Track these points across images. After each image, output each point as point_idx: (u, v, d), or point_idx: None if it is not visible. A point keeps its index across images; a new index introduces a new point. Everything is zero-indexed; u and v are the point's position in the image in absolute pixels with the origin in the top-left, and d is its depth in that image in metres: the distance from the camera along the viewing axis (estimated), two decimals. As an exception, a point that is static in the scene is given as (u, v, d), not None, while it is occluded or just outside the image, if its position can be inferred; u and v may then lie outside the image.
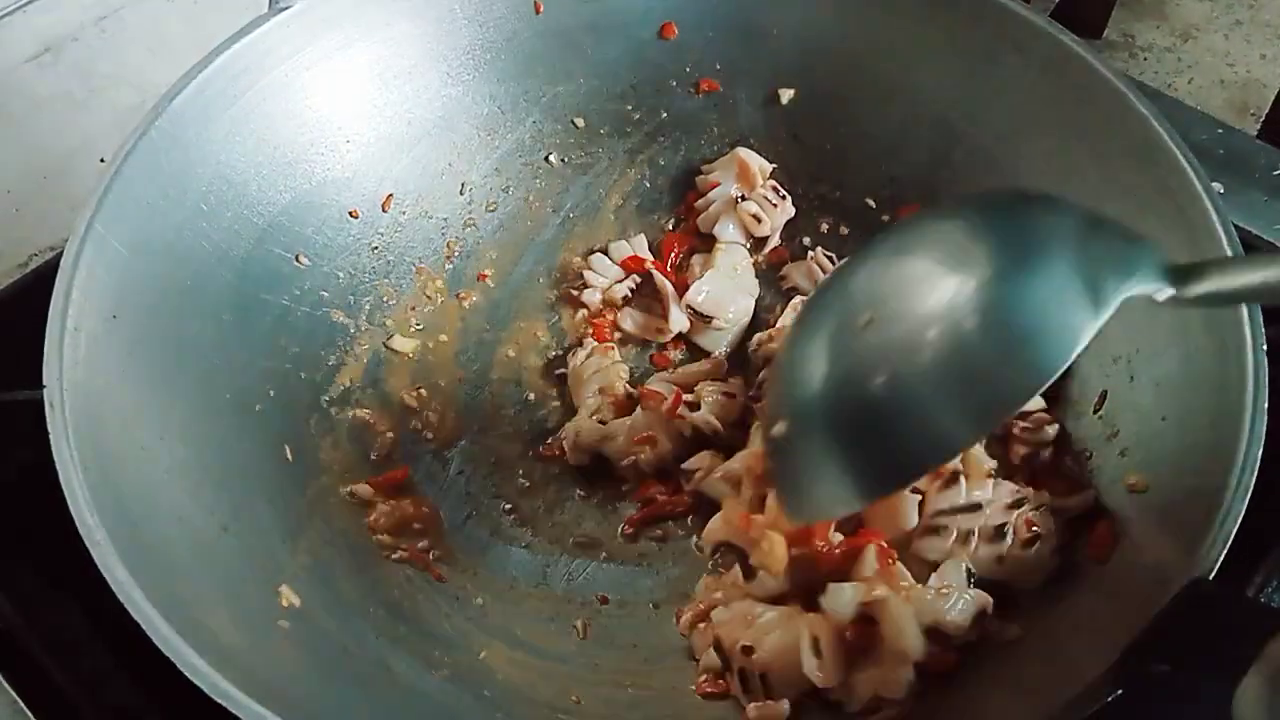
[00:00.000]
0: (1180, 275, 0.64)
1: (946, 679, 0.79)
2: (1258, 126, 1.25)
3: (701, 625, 0.88)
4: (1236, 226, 0.83)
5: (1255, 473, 0.73)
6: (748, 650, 0.82)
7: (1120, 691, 0.66)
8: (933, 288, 0.64)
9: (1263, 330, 0.79)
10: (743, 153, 1.11)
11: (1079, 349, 0.61)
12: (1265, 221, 1.07)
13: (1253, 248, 0.85)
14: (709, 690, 0.86)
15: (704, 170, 1.13)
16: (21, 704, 0.81)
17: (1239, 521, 0.72)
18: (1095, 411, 0.89)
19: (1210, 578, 0.70)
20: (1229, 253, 0.82)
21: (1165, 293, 0.64)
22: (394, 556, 0.92)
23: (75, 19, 1.22)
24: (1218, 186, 0.89)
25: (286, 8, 0.96)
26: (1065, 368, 0.61)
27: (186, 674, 0.67)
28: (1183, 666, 0.63)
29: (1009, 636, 0.79)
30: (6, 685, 0.81)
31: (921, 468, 0.71)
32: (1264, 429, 0.75)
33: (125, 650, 0.72)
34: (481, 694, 0.84)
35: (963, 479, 0.85)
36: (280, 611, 0.81)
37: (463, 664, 0.86)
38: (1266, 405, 0.76)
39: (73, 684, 0.84)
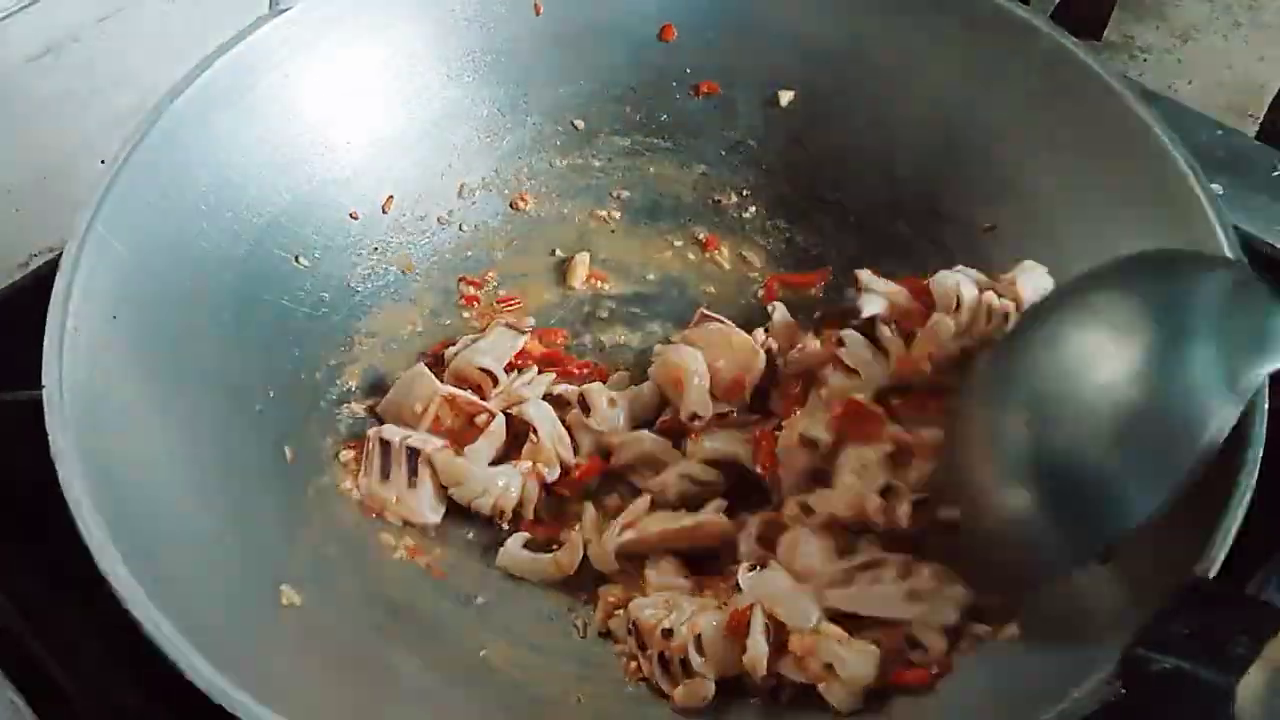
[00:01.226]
0: None
1: (949, 677, 0.79)
2: (1257, 128, 1.25)
3: (619, 612, 0.88)
4: (1236, 227, 0.84)
5: (1256, 473, 0.74)
6: (667, 634, 0.82)
7: (1121, 690, 0.66)
8: (1097, 384, 0.70)
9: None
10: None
11: (1220, 438, 0.67)
12: (1265, 222, 1.07)
13: (1253, 249, 0.85)
14: (638, 678, 0.86)
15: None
16: (22, 704, 0.80)
17: (1240, 520, 0.72)
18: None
19: (1211, 577, 0.70)
20: (1227, 252, 0.82)
21: None
22: (395, 555, 0.92)
23: (76, 19, 1.22)
24: (1217, 187, 0.89)
25: (287, 9, 0.96)
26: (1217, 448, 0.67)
27: (187, 674, 0.67)
28: (1184, 665, 0.63)
29: (1007, 635, 0.79)
30: (7, 685, 0.81)
31: (1116, 535, 0.73)
32: (1264, 430, 0.75)
33: (125, 650, 0.71)
34: (483, 692, 0.84)
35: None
36: (281, 611, 0.81)
37: (464, 662, 0.86)
38: (1267, 406, 0.76)
39: (73, 684, 0.84)
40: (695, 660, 0.82)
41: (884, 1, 1.05)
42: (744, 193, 1.14)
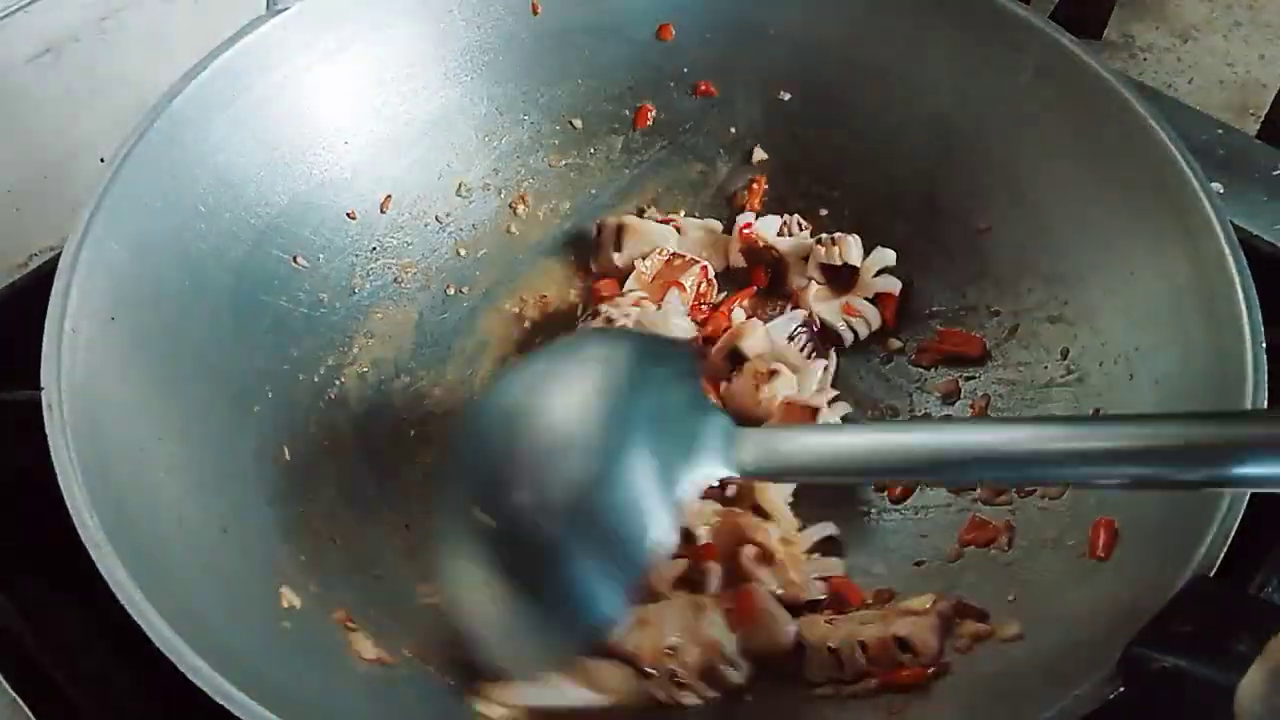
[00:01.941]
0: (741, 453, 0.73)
1: (948, 677, 0.79)
2: (1258, 126, 1.25)
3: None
4: (1236, 226, 0.84)
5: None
6: (670, 653, 0.83)
7: (1122, 689, 0.66)
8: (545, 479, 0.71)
9: (1262, 330, 0.79)
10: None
11: (665, 533, 0.70)
12: (1265, 221, 1.07)
13: (1253, 248, 0.85)
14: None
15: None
16: (22, 704, 0.80)
17: (1239, 518, 0.72)
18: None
19: (1211, 575, 0.70)
20: (1227, 252, 0.82)
21: (728, 474, 0.73)
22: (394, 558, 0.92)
23: (75, 19, 1.22)
24: (1217, 186, 0.89)
25: (285, 9, 0.96)
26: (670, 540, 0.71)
27: (188, 675, 0.67)
28: (1184, 663, 0.63)
29: (1008, 634, 0.79)
30: (7, 685, 0.81)
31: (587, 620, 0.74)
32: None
33: (125, 650, 0.71)
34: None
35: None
36: (281, 612, 0.81)
37: (464, 665, 0.85)
38: (1266, 405, 0.76)
39: (73, 684, 0.83)
40: (733, 674, 0.83)
41: (882, 1, 1.05)
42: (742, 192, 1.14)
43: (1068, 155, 0.96)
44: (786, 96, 1.12)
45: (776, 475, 0.80)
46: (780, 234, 1.10)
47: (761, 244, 1.09)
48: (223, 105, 0.94)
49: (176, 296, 0.89)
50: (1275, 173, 1.13)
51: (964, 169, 1.04)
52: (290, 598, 0.82)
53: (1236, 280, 0.81)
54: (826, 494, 0.95)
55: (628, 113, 1.14)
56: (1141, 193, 0.89)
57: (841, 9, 1.07)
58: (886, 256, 1.06)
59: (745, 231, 1.09)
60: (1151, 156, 0.89)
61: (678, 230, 1.11)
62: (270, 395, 0.94)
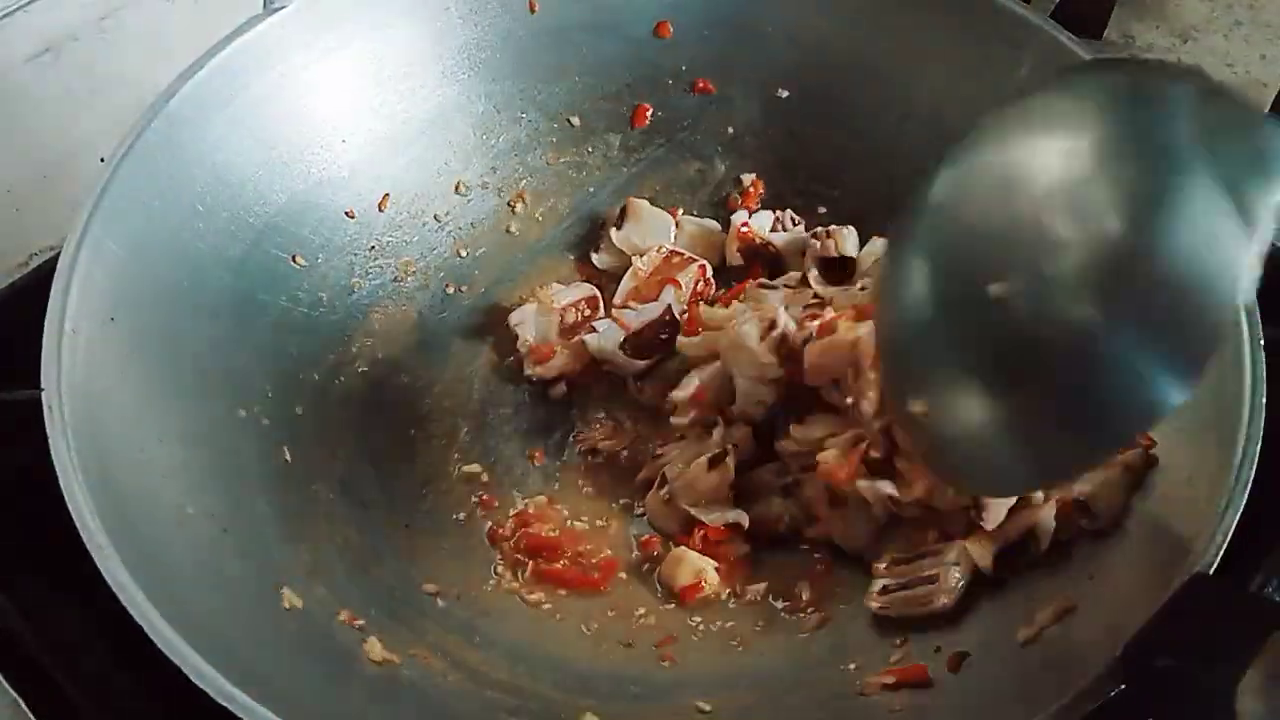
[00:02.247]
0: None
1: (951, 677, 0.80)
2: None
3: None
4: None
5: (1254, 469, 0.74)
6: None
7: (1123, 687, 0.66)
8: (1074, 232, 0.56)
9: (1260, 327, 0.79)
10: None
11: (1248, 287, 0.54)
12: (1265, 221, 1.07)
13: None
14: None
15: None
16: (22, 704, 0.80)
17: (1239, 516, 0.72)
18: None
19: (1211, 573, 0.70)
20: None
21: None
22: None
23: (75, 19, 1.22)
24: None
25: (282, 8, 0.96)
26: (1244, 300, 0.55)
27: (190, 676, 0.67)
28: (1185, 661, 0.63)
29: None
30: (7, 686, 0.81)
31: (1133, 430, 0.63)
32: (1262, 425, 0.75)
33: (125, 650, 0.71)
34: (484, 694, 0.84)
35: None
36: (283, 613, 0.81)
37: (466, 664, 0.86)
38: (1264, 402, 0.77)
39: (73, 684, 0.83)
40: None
41: (882, 1, 1.05)
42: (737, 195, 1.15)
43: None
44: (785, 94, 1.12)
45: None
46: (774, 230, 1.10)
47: (759, 240, 1.09)
48: (220, 104, 0.94)
49: (176, 296, 0.89)
50: None
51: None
52: (292, 598, 0.82)
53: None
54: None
55: (626, 110, 1.14)
56: None
57: (840, 7, 1.07)
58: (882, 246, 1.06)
59: (743, 230, 1.09)
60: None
61: (676, 222, 1.11)
62: (270, 395, 0.94)
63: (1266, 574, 0.85)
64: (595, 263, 1.12)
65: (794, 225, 1.11)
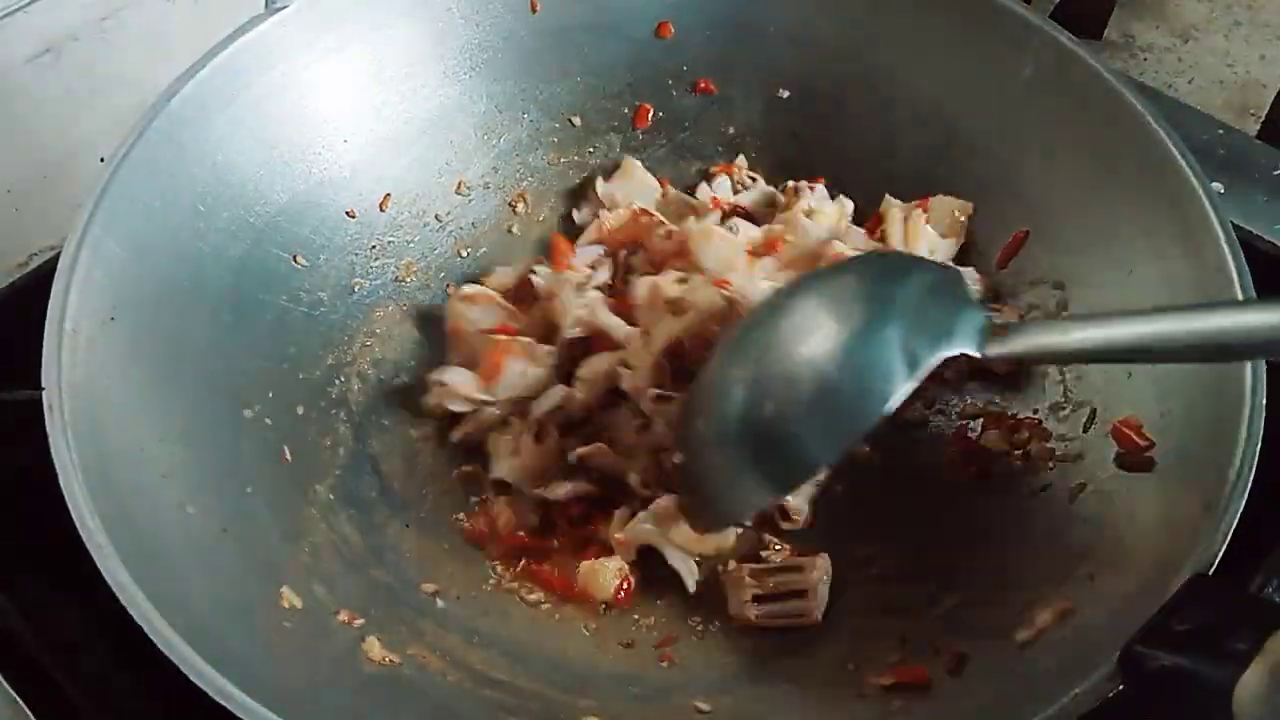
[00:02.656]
0: (992, 339, 0.77)
1: (950, 679, 0.80)
2: (1258, 127, 1.25)
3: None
4: (1236, 226, 0.84)
5: (1254, 469, 0.74)
6: None
7: (1121, 687, 0.66)
8: (804, 344, 0.79)
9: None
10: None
11: (893, 404, 0.74)
12: (1265, 221, 1.07)
13: (1253, 248, 0.85)
14: None
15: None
16: (22, 704, 0.80)
17: (1239, 516, 0.72)
18: (1085, 430, 0.90)
19: (1211, 573, 0.70)
20: (1227, 252, 0.82)
21: (976, 353, 0.76)
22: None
23: (75, 19, 1.22)
24: (1218, 186, 0.89)
25: (283, 7, 0.96)
26: (888, 412, 0.74)
27: (190, 676, 0.67)
28: (1184, 661, 0.63)
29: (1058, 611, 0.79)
30: (7, 685, 0.81)
31: (803, 476, 0.86)
32: (1262, 425, 0.76)
33: (125, 650, 0.71)
34: (484, 694, 0.84)
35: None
36: (282, 612, 0.81)
37: (466, 664, 0.86)
38: (1264, 402, 0.77)
39: (73, 684, 0.84)
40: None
41: (882, 1, 1.05)
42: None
43: (1068, 155, 0.96)
44: (786, 94, 1.12)
45: (1020, 358, 0.83)
46: (736, 193, 1.11)
47: (729, 206, 1.09)
48: (221, 104, 0.94)
49: (176, 296, 0.89)
50: (1275, 173, 1.13)
51: (962, 167, 1.04)
52: (291, 598, 0.82)
53: (1235, 279, 0.81)
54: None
55: (627, 111, 1.14)
56: (1141, 192, 0.90)
57: (842, 8, 1.07)
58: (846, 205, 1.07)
59: (715, 199, 1.09)
60: (1151, 156, 0.89)
61: (664, 192, 1.12)
62: (270, 395, 0.94)
63: (1267, 574, 0.86)
64: (574, 218, 1.13)
65: (752, 183, 1.11)
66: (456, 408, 0.99)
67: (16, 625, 0.86)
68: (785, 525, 0.95)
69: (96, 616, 0.76)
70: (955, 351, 0.75)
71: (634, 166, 1.12)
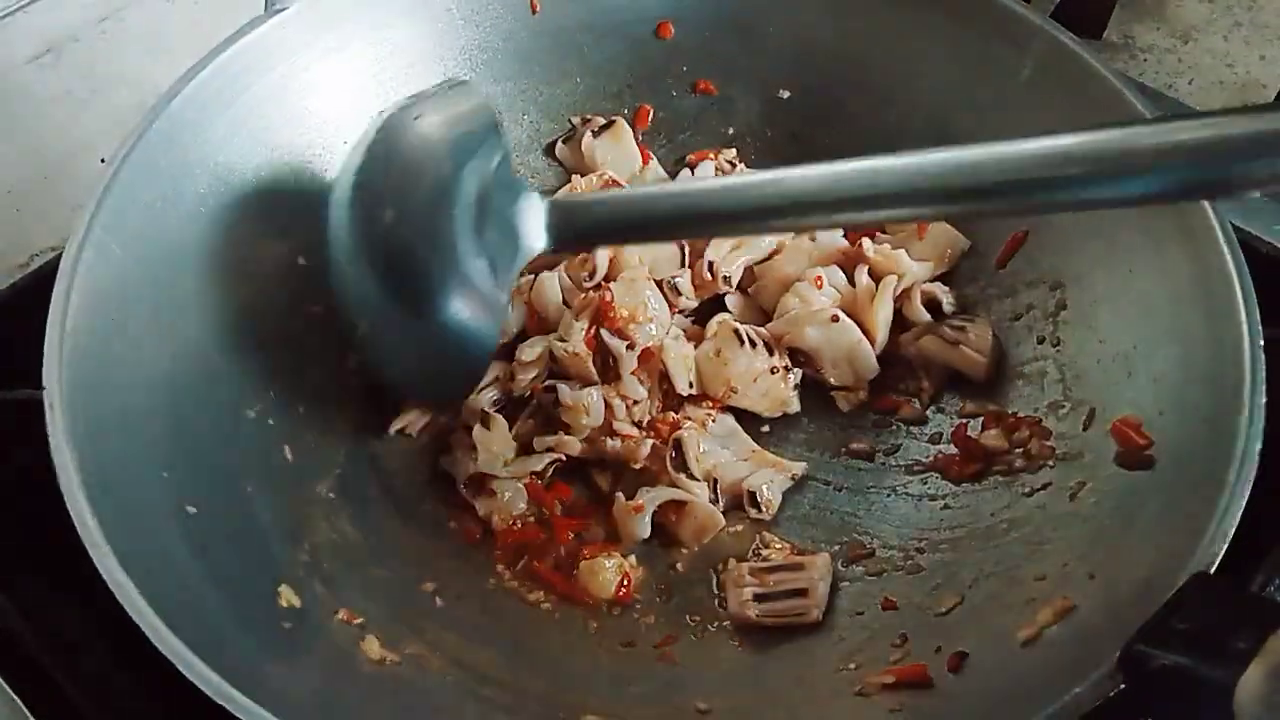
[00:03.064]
0: (555, 230, 0.81)
1: (951, 678, 0.80)
2: None
3: None
4: (1236, 227, 0.84)
5: (1254, 468, 0.74)
6: None
7: (1122, 686, 0.66)
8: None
9: (1260, 327, 0.79)
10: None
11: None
12: (1265, 221, 1.06)
13: (1253, 248, 0.85)
14: None
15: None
16: (21, 704, 0.80)
17: (1239, 516, 0.72)
18: (1084, 429, 0.90)
19: (1212, 572, 0.70)
20: (1226, 251, 0.82)
21: (544, 249, 0.81)
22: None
23: (75, 19, 1.22)
24: None
25: (284, 9, 0.96)
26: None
27: (187, 676, 0.67)
28: (1184, 661, 0.63)
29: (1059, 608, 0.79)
30: (6, 685, 0.81)
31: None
32: (1262, 425, 0.76)
33: (125, 650, 0.71)
34: (483, 693, 0.84)
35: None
36: (281, 611, 0.81)
37: (465, 663, 0.86)
38: (1264, 401, 0.77)
39: (73, 684, 0.83)
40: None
41: (882, 1, 1.05)
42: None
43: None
44: (786, 95, 1.12)
45: (591, 241, 0.87)
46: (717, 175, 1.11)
47: None
48: (222, 106, 0.94)
49: (178, 297, 0.89)
50: None
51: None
52: (290, 597, 0.82)
53: (1235, 278, 0.81)
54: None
55: (627, 111, 1.15)
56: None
57: (842, 9, 1.07)
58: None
59: None
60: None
61: (644, 164, 1.12)
62: (272, 395, 0.94)
63: (1267, 574, 0.85)
64: (556, 154, 1.14)
65: (732, 168, 1.11)
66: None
67: (16, 625, 0.86)
68: (754, 514, 0.96)
69: (96, 616, 0.76)
70: (530, 254, 0.81)
71: (623, 131, 1.12)
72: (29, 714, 0.81)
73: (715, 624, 0.91)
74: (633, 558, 0.94)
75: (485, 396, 1.00)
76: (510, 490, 0.96)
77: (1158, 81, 1.33)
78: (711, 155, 1.13)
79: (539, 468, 0.97)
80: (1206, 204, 0.84)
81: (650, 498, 0.94)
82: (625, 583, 0.92)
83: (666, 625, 0.92)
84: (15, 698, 0.81)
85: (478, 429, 0.97)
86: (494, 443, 0.96)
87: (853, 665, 0.84)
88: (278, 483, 0.90)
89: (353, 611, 0.84)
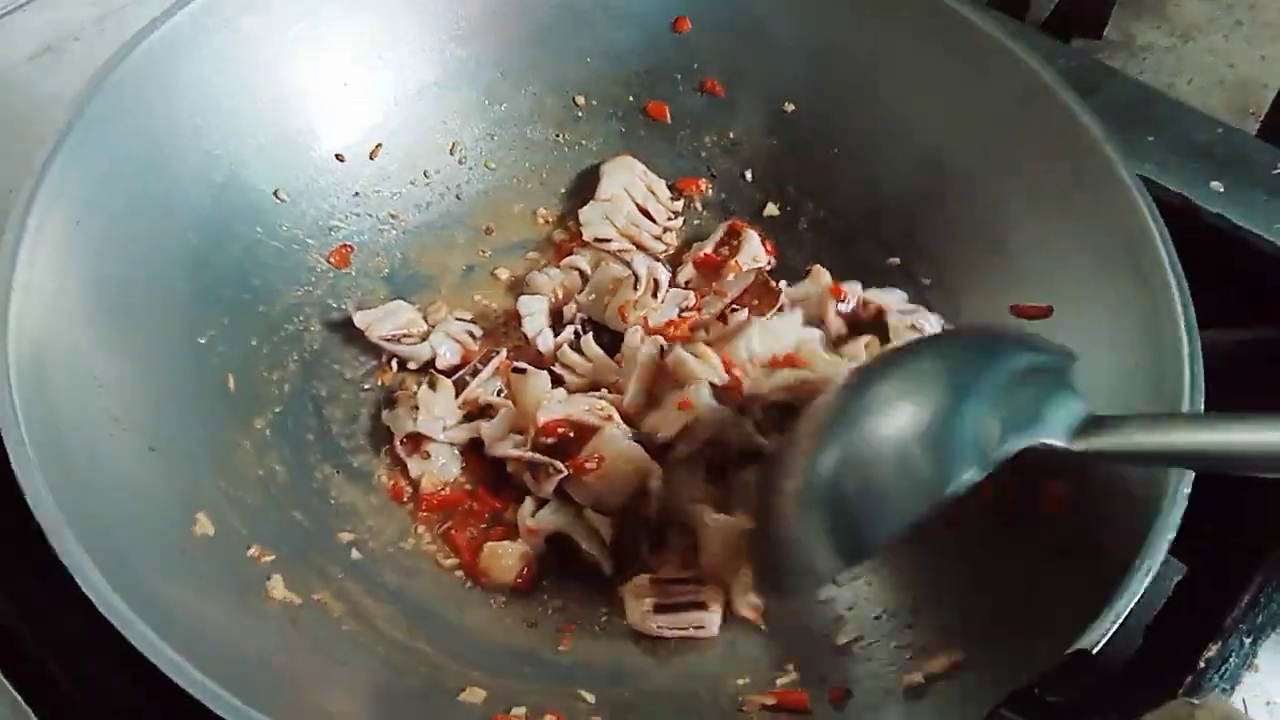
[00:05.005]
0: (1083, 432, 0.74)
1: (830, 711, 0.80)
2: (1257, 126, 1.24)
3: None
4: (1237, 226, 0.83)
5: (1161, 556, 0.74)
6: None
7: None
8: (884, 425, 0.77)
9: (1197, 329, 0.81)
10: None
11: (958, 488, 0.71)
12: (1265, 221, 1.05)
13: (1253, 248, 0.84)
14: None
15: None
16: (22, 704, 0.80)
17: (1134, 603, 0.72)
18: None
19: (1096, 652, 0.70)
20: (1174, 291, 0.84)
21: (1062, 444, 0.74)
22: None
23: (75, 18, 1.22)
24: (1218, 186, 0.88)
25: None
26: (955, 494, 0.71)
27: (85, 590, 0.70)
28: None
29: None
30: (7, 685, 0.80)
31: (870, 550, 0.82)
32: (1172, 522, 0.75)
33: (125, 650, 0.72)
34: (376, 649, 0.84)
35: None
36: (194, 538, 0.81)
37: (365, 615, 0.87)
38: (1203, 405, 0.78)
39: (73, 684, 0.83)
40: None
41: (901, 30, 1.05)
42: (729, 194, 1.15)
43: (1050, 203, 0.96)
44: (790, 109, 1.12)
45: (1118, 456, 0.78)
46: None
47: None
48: (227, 27, 0.95)
49: (147, 209, 0.90)
50: (1275, 172, 1.10)
51: (946, 205, 1.04)
52: (205, 525, 0.82)
53: (1177, 297, 0.83)
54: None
55: (632, 99, 1.15)
56: (1102, 237, 0.91)
57: (858, 32, 1.07)
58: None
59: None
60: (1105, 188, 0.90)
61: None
62: (226, 322, 0.95)
63: (1266, 574, 0.84)
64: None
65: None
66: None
67: (16, 625, 0.86)
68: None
69: (96, 616, 0.75)
70: (1038, 441, 0.73)
71: (633, 165, 1.12)
72: (29, 714, 0.80)
73: (619, 620, 0.91)
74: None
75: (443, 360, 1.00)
76: (445, 456, 0.97)
77: (1157, 80, 1.31)
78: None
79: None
80: (1158, 241, 0.86)
81: (544, 521, 0.93)
82: (525, 571, 0.92)
83: (572, 612, 0.92)
84: (16, 697, 0.79)
85: (423, 389, 0.98)
86: (436, 405, 0.97)
87: (740, 681, 0.85)
88: (216, 411, 0.91)
89: (264, 549, 0.85)
